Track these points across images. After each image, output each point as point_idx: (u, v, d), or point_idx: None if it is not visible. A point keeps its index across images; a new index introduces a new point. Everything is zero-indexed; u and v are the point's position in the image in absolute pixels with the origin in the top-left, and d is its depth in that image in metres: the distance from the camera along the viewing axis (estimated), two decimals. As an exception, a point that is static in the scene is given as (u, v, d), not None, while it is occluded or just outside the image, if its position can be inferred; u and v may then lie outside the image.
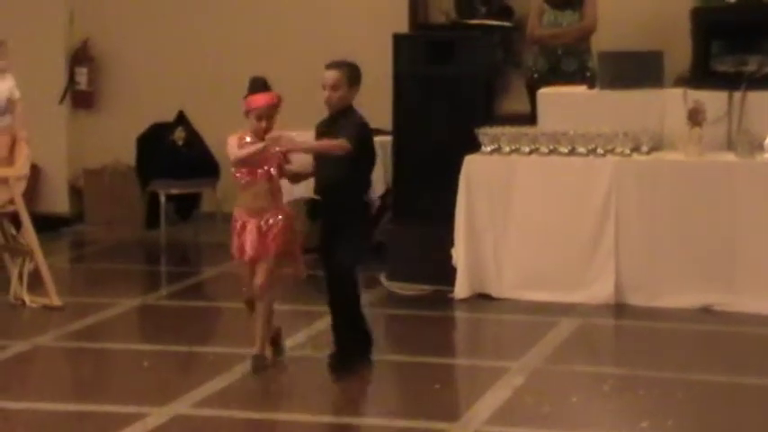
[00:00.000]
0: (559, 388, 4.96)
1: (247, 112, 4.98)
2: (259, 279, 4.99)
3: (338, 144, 4.90)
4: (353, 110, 5.07)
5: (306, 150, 5.11)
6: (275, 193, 5.06)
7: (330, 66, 5.09)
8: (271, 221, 5.01)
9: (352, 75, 5.04)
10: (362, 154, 4.97)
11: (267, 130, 4.97)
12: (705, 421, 4.60)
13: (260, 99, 4.97)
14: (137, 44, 8.52)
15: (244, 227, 5.00)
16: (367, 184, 5.13)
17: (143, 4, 8.55)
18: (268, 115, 4.97)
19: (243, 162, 4.97)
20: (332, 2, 8.28)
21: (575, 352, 5.50)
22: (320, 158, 5.05)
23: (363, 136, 4.98)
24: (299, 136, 8.44)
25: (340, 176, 4.95)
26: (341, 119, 5.03)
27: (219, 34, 8.39)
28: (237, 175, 5.03)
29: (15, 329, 6.00)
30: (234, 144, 4.98)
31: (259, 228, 4.98)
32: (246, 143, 4.98)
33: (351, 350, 5.06)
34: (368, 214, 5.25)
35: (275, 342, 5.18)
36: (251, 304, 5.08)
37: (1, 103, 6.21)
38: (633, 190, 6.18)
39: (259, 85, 5.01)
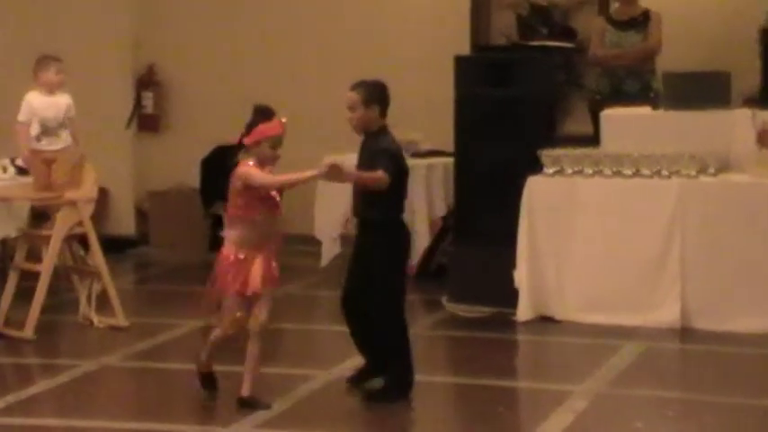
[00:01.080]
0: (623, 413, 4.89)
1: (258, 142, 4.75)
2: (264, 314, 4.79)
3: (377, 178, 4.76)
4: (385, 132, 4.93)
5: (349, 181, 4.99)
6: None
7: (351, 87, 4.97)
8: (272, 249, 4.80)
9: (368, 95, 4.89)
10: (395, 179, 4.82)
11: (278, 157, 4.80)
12: (774, 448, 4.50)
13: (276, 126, 4.78)
14: (201, 69, 8.66)
15: (250, 262, 4.73)
16: (399, 203, 4.96)
17: (207, 29, 8.70)
18: (281, 143, 4.80)
19: (267, 190, 4.74)
20: (393, 24, 8.33)
21: (639, 376, 5.42)
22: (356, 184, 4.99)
23: (395, 163, 4.84)
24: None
25: (373, 199, 4.85)
26: (370, 142, 4.92)
27: (280, 58, 8.49)
28: (245, 210, 4.75)
29: (84, 349, 6.11)
30: (260, 172, 4.74)
31: (267, 259, 4.77)
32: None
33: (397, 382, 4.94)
34: (400, 233, 5.01)
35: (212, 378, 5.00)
36: (221, 340, 4.89)
37: (58, 118, 6.30)
38: (699, 212, 6.10)
39: (270, 113, 4.81)
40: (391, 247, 4.91)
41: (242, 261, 4.75)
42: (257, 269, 4.75)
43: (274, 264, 4.82)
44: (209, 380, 5.00)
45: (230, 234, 4.82)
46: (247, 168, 4.76)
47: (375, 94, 4.90)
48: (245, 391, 4.82)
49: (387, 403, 4.89)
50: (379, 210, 4.89)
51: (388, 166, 4.79)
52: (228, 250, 4.80)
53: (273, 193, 4.82)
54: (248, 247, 4.76)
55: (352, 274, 5.00)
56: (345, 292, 5.03)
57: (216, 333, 4.93)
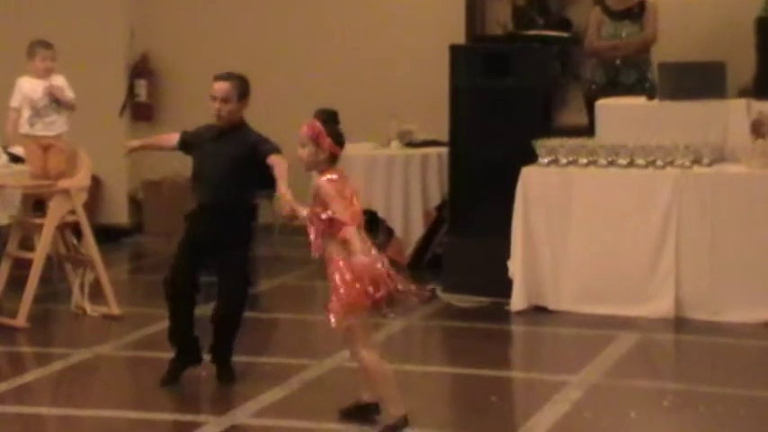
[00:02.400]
0: (618, 403, 4.89)
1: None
2: None
3: (284, 163, 4.78)
4: (246, 124, 4.97)
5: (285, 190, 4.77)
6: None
7: (219, 77, 4.95)
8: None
9: (242, 88, 4.91)
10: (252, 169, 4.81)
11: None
12: (769, 439, 4.50)
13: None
14: (195, 57, 8.62)
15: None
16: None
17: (201, 18, 8.66)
18: (303, 144, 4.51)
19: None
20: (389, 15, 8.31)
21: (634, 367, 5.43)
22: (206, 171, 4.94)
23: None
24: (352, 148, 8.53)
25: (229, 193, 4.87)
26: (233, 133, 4.91)
27: (275, 48, 8.46)
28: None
29: (77, 338, 6.10)
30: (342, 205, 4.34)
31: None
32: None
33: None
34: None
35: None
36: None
37: (47, 106, 6.19)
38: (694, 203, 6.09)
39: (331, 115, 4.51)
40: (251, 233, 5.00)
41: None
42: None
43: None
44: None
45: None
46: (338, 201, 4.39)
47: (246, 87, 4.93)
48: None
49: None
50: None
51: (274, 145, 4.83)
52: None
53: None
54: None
55: None
56: None
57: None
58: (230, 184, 4.88)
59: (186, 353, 5.05)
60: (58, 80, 6.26)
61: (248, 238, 5.05)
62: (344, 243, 4.30)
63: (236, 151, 4.89)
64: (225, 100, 4.91)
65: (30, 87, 6.23)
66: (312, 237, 4.42)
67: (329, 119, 4.46)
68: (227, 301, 4.97)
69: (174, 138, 5.20)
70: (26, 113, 6.25)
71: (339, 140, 4.44)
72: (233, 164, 4.90)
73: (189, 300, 5.00)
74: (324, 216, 4.35)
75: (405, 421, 4.43)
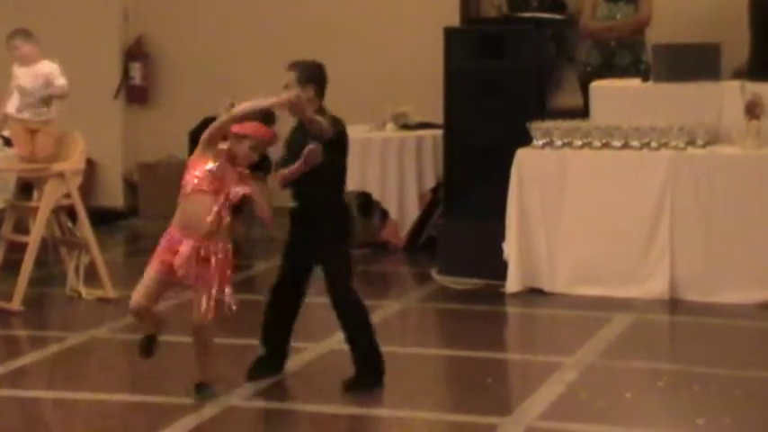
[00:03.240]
0: (614, 384, 4.91)
1: (245, 135, 4.45)
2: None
3: (325, 127, 4.59)
4: (323, 109, 4.72)
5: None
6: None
7: (288, 65, 4.75)
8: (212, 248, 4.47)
9: (303, 74, 4.67)
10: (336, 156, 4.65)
11: (253, 162, 4.52)
12: (763, 418, 4.52)
13: (269, 132, 4.54)
14: (190, 40, 8.60)
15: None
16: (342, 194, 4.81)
17: (196, 1, 8.62)
18: (260, 149, 4.53)
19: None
20: (384, -3, 8.28)
21: (629, 348, 5.44)
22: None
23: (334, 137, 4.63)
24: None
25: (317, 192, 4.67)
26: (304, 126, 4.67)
27: (271, 29, 8.44)
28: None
29: (72, 321, 6.10)
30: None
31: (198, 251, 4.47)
32: (209, 168, 4.41)
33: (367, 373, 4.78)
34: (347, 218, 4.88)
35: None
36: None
37: (35, 88, 6.15)
38: (688, 184, 6.10)
39: (271, 118, 4.62)
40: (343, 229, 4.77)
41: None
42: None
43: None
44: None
45: None
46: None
47: (310, 73, 4.71)
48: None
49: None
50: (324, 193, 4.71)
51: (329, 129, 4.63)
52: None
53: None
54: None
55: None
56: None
57: None
58: (314, 180, 4.65)
59: (276, 356, 4.92)
60: (46, 67, 6.19)
61: (343, 234, 4.80)
62: None
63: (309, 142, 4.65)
64: (287, 88, 4.67)
65: (18, 74, 6.20)
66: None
67: (269, 118, 4.57)
68: (335, 302, 4.81)
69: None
70: (15, 100, 6.23)
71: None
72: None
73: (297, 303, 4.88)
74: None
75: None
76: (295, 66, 4.73)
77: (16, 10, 7.91)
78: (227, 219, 4.52)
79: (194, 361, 4.69)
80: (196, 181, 4.48)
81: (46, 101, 6.22)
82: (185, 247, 4.48)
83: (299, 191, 4.76)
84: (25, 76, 6.20)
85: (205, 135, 4.49)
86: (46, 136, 6.23)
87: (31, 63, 6.18)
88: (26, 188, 6.55)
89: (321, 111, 4.73)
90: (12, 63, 6.30)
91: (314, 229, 4.72)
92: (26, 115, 6.22)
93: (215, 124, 4.50)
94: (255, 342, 5.52)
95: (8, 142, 6.82)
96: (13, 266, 6.23)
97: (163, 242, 4.60)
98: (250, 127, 4.51)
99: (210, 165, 4.46)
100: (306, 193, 4.74)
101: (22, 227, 6.47)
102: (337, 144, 4.69)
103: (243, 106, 4.49)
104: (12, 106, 6.24)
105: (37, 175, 6.33)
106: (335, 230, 4.74)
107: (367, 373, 4.78)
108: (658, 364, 5.23)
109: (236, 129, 4.49)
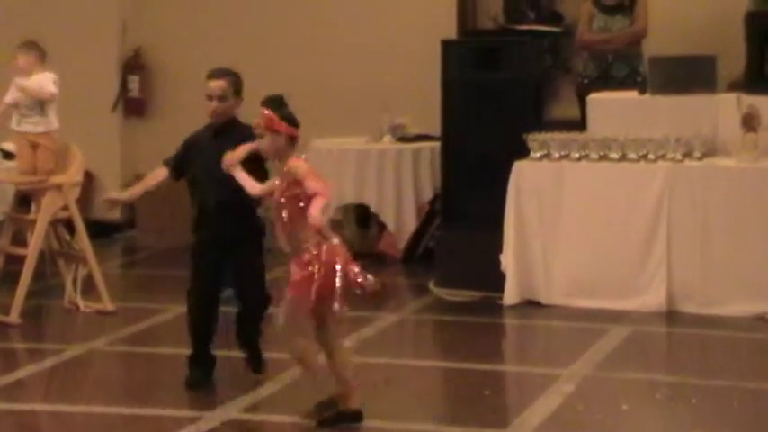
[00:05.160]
0: (610, 396, 4.91)
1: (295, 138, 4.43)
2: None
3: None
4: (238, 120, 4.91)
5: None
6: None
7: (213, 75, 4.91)
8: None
9: (237, 84, 4.92)
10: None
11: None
12: (761, 430, 4.52)
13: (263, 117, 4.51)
14: (188, 52, 8.61)
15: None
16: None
17: (194, 13, 8.65)
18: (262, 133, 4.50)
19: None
20: (381, 9, 8.31)
21: (626, 360, 5.45)
22: (211, 171, 4.75)
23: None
24: (344, 143, 8.45)
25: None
26: (229, 129, 4.87)
27: (268, 42, 8.46)
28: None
29: (70, 334, 6.10)
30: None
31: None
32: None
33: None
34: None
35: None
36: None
37: (30, 104, 6.15)
38: (685, 196, 6.12)
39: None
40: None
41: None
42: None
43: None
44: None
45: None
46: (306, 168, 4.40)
47: (241, 84, 4.91)
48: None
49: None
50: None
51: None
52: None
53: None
54: None
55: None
56: None
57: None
58: (235, 181, 4.77)
59: (205, 365, 5.01)
60: (38, 80, 6.15)
61: (260, 232, 5.01)
62: (317, 223, 4.19)
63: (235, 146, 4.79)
64: (221, 98, 4.89)
65: (18, 85, 6.21)
66: (281, 228, 4.42)
67: (277, 104, 4.45)
68: (251, 299, 4.94)
69: (162, 173, 5.13)
70: (16, 111, 6.24)
71: (293, 122, 4.44)
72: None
73: (214, 308, 4.97)
74: (301, 203, 4.30)
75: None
76: (223, 74, 4.94)
77: (14, 22, 7.94)
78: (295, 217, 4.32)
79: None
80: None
81: (41, 109, 6.20)
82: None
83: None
84: (20, 85, 6.19)
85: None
86: (45, 151, 6.24)
87: (28, 75, 6.18)
88: (24, 201, 6.56)
89: (235, 119, 4.94)
90: (5, 71, 6.33)
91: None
92: (24, 127, 6.23)
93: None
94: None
95: (8, 155, 6.84)
96: (11, 279, 6.23)
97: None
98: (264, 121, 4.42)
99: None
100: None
101: (20, 239, 6.48)
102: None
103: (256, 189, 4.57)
104: (12, 120, 6.24)
105: (35, 187, 6.34)
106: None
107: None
108: (655, 375, 5.23)
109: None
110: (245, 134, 4.77)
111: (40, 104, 6.19)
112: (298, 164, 4.39)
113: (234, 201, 4.81)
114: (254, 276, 4.95)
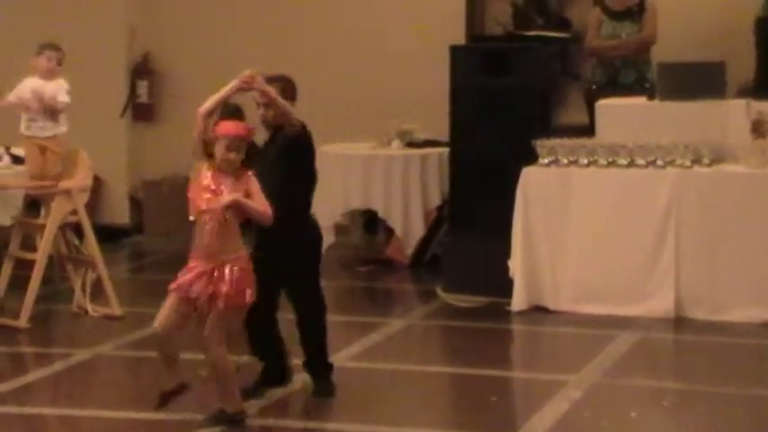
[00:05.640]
0: (618, 402, 4.90)
1: (215, 139, 4.35)
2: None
3: (260, 210, 4.41)
4: (289, 126, 4.68)
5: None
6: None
7: (266, 80, 4.68)
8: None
9: (286, 89, 4.72)
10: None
11: (236, 162, 4.34)
12: (768, 438, 4.51)
13: (231, 127, 4.39)
14: (196, 58, 8.63)
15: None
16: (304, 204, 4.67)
17: (202, 18, 8.67)
18: (238, 148, 4.35)
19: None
20: (389, 15, 8.32)
21: (634, 366, 5.44)
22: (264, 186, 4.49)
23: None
24: (352, 148, 8.41)
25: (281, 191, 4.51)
26: (279, 138, 4.65)
27: (277, 48, 8.47)
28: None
29: (78, 338, 6.11)
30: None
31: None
32: (206, 184, 4.31)
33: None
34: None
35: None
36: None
37: (40, 109, 6.18)
38: (694, 203, 6.11)
39: (231, 110, 4.50)
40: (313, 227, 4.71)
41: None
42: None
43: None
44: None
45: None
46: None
47: (292, 88, 4.75)
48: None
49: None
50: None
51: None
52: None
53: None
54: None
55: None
56: None
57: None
58: (280, 192, 4.56)
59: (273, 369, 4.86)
60: (54, 85, 6.21)
61: (312, 246, 4.74)
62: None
63: (278, 152, 4.64)
64: (267, 104, 4.66)
65: (29, 87, 6.23)
66: (208, 237, 4.37)
67: (237, 114, 4.47)
68: (308, 315, 4.80)
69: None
70: (23, 115, 6.27)
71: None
72: (275, 166, 4.61)
73: (272, 326, 4.82)
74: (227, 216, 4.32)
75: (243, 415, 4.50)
76: (270, 80, 4.70)
77: (24, 27, 7.97)
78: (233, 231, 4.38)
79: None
80: (198, 201, 4.41)
81: (51, 114, 6.23)
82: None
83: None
84: (33, 88, 6.20)
85: (192, 148, 4.43)
86: (53, 155, 6.26)
87: (48, 77, 6.22)
88: (33, 205, 6.58)
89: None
90: (12, 74, 6.36)
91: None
92: (33, 131, 6.26)
93: (193, 135, 4.43)
94: (256, 358, 5.52)
95: (17, 160, 6.86)
96: (20, 283, 6.25)
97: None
98: (222, 127, 4.40)
99: (206, 180, 4.40)
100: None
101: (29, 244, 6.49)
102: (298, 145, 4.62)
103: (205, 105, 4.44)
104: (21, 124, 6.27)
105: (44, 192, 6.36)
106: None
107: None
108: (663, 382, 5.22)
109: (207, 136, 4.39)
110: (287, 139, 4.60)
111: (51, 110, 6.22)
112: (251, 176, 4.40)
113: (283, 212, 4.52)
114: (307, 292, 4.79)
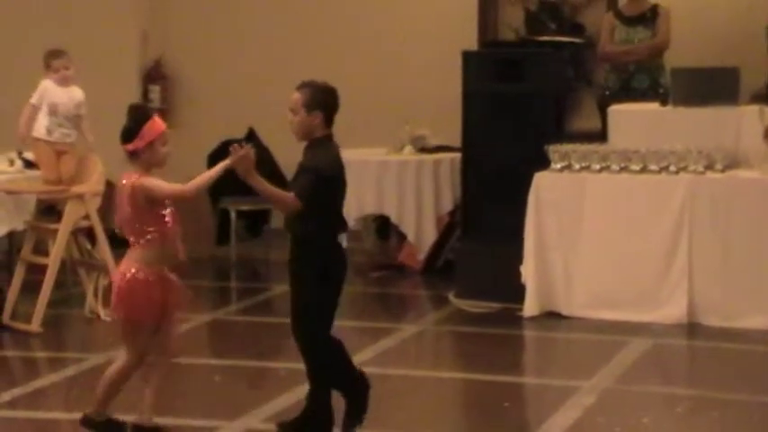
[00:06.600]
0: (631, 409, 4.88)
1: (152, 142, 4.19)
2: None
3: (285, 201, 4.19)
4: (322, 142, 4.28)
5: (257, 189, 4.21)
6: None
7: (298, 86, 4.36)
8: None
9: (312, 98, 4.27)
10: (318, 196, 4.20)
11: (169, 154, 4.23)
12: (783, 445, 4.49)
13: (160, 122, 4.26)
14: (209, 62, 8.66)
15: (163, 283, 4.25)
16: (324, 230, 4.30)
17: (214, 23, 8.69)
18: (167, 139, 4.23)
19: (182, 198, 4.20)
20: (402, 21, 8.32)
21: (647, 372, 5.42)
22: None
23: (317, 182, 4.20)
24: (365, 153, 8.38)
25: (297, 223, 4.27)
26: (307, 152, 4.31)
27: (289, 53, 8.48)
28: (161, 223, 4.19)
29: (91, 343, 6.12)
30: (160, 181, 4.19)
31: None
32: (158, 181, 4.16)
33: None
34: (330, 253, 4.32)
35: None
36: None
37: (69, 109, 6.33)
38: (707, 208, 6.08)
39: (148, 111, 4.33)
40: (324, 262, 4.29)
41: (153, 283, 4.24)
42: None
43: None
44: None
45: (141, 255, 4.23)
46: (144, 181, 4.19)
47: (320, 98, 4.28)
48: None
49: None
50: (305, 224, 4.27)
51: (306, 187, 4.19)
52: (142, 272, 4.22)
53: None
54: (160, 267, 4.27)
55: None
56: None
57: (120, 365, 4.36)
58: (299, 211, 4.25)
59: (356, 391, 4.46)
60: (79, 93, 6.36)
61: (315, 274, 4.32)
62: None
63: (295, 185, 4.27)
64: (292, 111, 4.29)
65: (54, 91, 6.32)
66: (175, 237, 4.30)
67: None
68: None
69: None
70: (45, 119, 6.32)
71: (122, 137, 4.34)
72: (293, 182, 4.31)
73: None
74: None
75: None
76: (303, 87, 4.33)
77: (36, 32, 8.00)
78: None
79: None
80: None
81: (74, 123, 6.33)
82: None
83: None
84: (61, 96, 6.33)
85: (152, 196, 4.20)
86: (70, 158, 6.32)
87: (69, 85, 6.32)
88: (49, 210, 6.60)
89: (327, 138, 4.31)
90: (27, 80, 6.41)
91: (290, 259, 4.44)
92: (56, 136, 6.32)
93: (172, 193, 4.23)
94: (273, 365, 5.53)
95: (29, 164, 6.88)
96: (32, 288, 6.26)
97: None
98: (150, 133, 4.21)
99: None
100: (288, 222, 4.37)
101: (41, 248, 6.51)
102: (324, 181, 4.24)
103: (195, 183, 4.22)
104: (41, 129, 6.32)
105: (56, 197, 6.37)
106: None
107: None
108: (676, 389, 5.20)
109: (141, 144, 4.21)
110: (307, 157, 4.27)
111: (75, 118, 6.32)
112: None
113: (293, 230, 4.36)
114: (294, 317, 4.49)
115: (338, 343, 4.45)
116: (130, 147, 4.23)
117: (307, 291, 4.36)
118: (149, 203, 4.23)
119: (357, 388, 4.44)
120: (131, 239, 4.31)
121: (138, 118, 4.25)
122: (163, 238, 4.27)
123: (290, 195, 4.22)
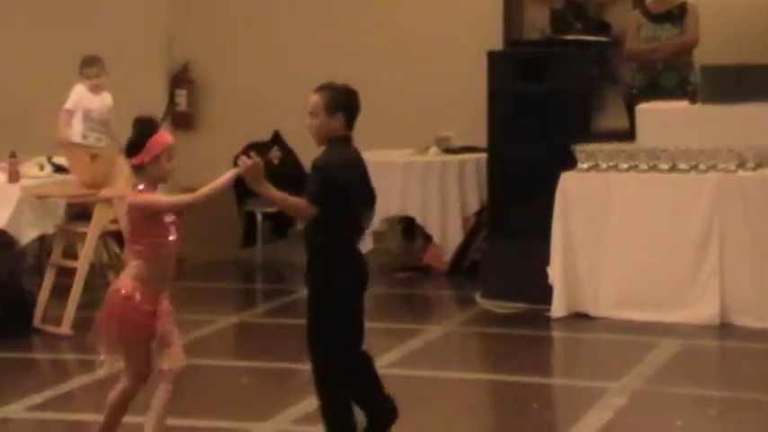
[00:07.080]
0: (663, 410, 4.83)
1: (158, 156, 4.17)
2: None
3: (299, 207, 4.10)
4: (338, 143, 4.14)
5: (268, 199, 4.16)
6: None
7: (315, 89, 4.23)
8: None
9: (333, 100, 4.12)
10: (332, 200, 4.05)
11: (174, 169, 4.20)
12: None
13: (168, 135, 4.26)
14: (234, 66, 8.68)
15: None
16: (337, 238, 4.13)
17: (241, 27, 8.72)
18: (174, 153, 4.20)
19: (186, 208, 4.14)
20: (426, 21, 8.31)
21: (678, 373, 5.36)
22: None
23: (329, 184, 4.05)
24: (390, 155, 8.35)
25: (311, 232, 4.15)
26: (322, 153, 4.18)
27: (314, 56, 8.49)
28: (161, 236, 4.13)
29: (119, 345, 6.13)
30: (157, 196, 4.16)
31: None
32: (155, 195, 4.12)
33: None
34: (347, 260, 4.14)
35: None
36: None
37: (102, 114, 6.49)
38: (738, 207, 6.02)
39: (155, 124, 4.29)
40: (335, 276, 4.15)
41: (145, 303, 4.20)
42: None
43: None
44: None
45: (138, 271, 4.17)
46: (138, 198, 4.15)
47: (341, 100, 4.15)
48: None
49: None
50: (317, 232, 4.14)
51: (316, 190, 4.05)
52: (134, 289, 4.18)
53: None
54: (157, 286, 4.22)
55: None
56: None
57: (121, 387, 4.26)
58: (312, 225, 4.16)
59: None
60: (109, 100, 6.52)
61: (328, 290, 4.18)
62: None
63: (306, 191, 4.14)
64: (311, 114, 4.16)
65: (88, 97, 6.47)
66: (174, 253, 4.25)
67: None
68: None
69: None
70: (80, 125, 6.43)
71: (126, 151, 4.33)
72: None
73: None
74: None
75: None
76: (323, 89, 4.19)
77: (65, 38, 8.05)
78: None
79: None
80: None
81: (106, 128, 6.48)
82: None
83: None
84: (94, 102, 6.48)
85: (157, 209, 4.17)
86: (103, 161, 6.40)
87: (100, 92, 6.51)
88: (82, 214, 6.65)
89: (345, 139, 4.17)
90: (58, 84, 6.50)
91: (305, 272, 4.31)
92: (90, 141, 6.44)
93: (180, 203, 4.23)
94: (299, 366, 5.52)
95: (59, 169, 6.93)
96: (62, 291, 6.30)
97: None
98: (155, 146, 4.23)
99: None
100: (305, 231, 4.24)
101: (71, 252, 6.55)
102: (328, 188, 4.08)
103: (203, 192, 4.20)
104: (76, 134, 6.43)
105: (85, 200, 6.42)
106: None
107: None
108: (708, 390, 5.14)
109: (147, 159, 4.20)
110: (320, 158, 4.15)
111: (106, 123, 6.48)
112: None
113: (307, 238, 4.25)
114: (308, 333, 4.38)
115: (366, 360, 4.26)
116: (135, 160, 4.18)
117: (319, 308, 4.21)
118: (149, 218, 4.18)
119: (379, 414, 4.27)
120: (131, 254, 4.27)
121: (143, 131, 4.21)
122: (160, 253, 4.22)
123: (302, 201, 4.09)
